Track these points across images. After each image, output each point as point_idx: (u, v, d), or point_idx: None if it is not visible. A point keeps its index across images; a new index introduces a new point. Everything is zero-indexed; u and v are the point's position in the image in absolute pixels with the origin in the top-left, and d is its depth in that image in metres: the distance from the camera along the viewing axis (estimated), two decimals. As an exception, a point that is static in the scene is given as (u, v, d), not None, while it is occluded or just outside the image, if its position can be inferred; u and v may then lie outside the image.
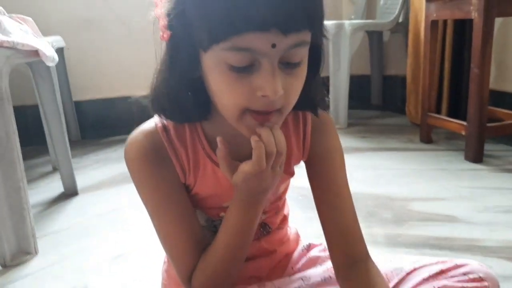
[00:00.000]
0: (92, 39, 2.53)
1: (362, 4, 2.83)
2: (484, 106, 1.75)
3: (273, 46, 0.48)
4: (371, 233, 1.24)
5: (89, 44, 2.52)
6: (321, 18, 0.51)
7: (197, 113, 0.59)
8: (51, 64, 1.29)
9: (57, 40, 1.92)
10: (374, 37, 2.84)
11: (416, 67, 2.36)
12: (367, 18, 2.86)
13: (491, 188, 1.54)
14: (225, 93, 0.52)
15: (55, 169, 1.94)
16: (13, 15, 1.29)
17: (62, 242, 1.30)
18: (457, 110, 2.29)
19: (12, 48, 1.14)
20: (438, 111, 2.26)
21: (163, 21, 0.53)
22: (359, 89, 2.90)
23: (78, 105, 2.47)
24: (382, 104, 2.96)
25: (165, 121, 0.63)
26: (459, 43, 2.25)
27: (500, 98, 2.05)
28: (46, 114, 1.59)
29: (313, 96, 0.61)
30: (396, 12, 2.52)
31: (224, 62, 0.49)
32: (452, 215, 1.35)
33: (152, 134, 0.62)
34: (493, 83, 1.96)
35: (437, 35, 2.08)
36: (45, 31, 1.50)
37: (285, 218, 0.82)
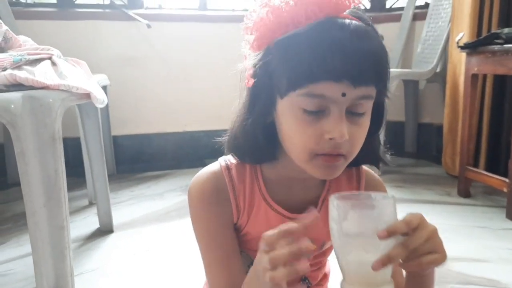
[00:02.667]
0: (133, 76, 2.62)
1: (398, 51, 2.84)
2: (528, 164, 1.70)
3: (343, 95, 0.55)
4: (411, 294, 1.20)
5: (130, 80, 2.61)
6: (386, 76, 0.58)
7: (267, 155, 0.65)
8: (100, 106, 1.34)
9: (103, 79, 2.00)
10: (410, 84, 2.83)
11: (454, 118, 2.34)
12: (403, 66, 2.87)
13: (535, 251, 1.48)
14: (297, 134, 0.58)
15: (91, 203, 1.97)
16: (69, 58, 1.36)
17: (97, 281, 1.31)
18: (495, 164, 2.24)
19: (67, 91, 1.19)
20: (476, 164, 2.20)
21: (250, 71, 0.61)
22: (393, 136, 2.88)
23: (115, 139, 2.54)
24: (416, 152, 2.92)
25: (229, 162, 0.69)
26: (499, 96, 2.22)
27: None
28: (89, 150, 1.64)
29: (375, 150, 0.68)
30: (434, 62, 2.52)
31: (298, 107, 0.56)
32: (494, 279, 1.29)
33: (215, 175, 0.68)
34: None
35: (477, 88, 2.06)
36: (92, 70, 1.57)
37: (325, 276, 0.81)
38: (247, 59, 0.62)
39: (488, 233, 1.64)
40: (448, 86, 2.36)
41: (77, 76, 1.30)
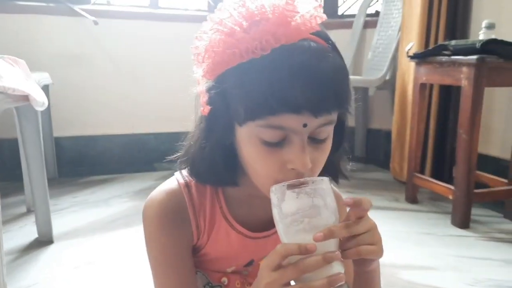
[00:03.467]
0: (78, 75, 2.48)
1: (349, 58, 2.89)
2: (472, 172, 1.77)
3: (304, 125, 0.53)
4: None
5: (74, 79, 2.47)
6: (348, 99, 0.55)
7: (228, 177, 0.62)
8: (40, 109, 1.24)
9: (45, 78, 1.87)
10: (360, 91, 2.88)
11: (402, 125, 2.40)
12: (353, 72, 2.92)
13: (479, 258, 1.53)
14: (258, 164, 0.56)
15: (29, 211, 1.84)
16: (5, 56, 1.25)
17: (34, 299, 1.21)
18: (440, 171, 2.32)
19: (3, 93, 1.09)
20: (422, 171, 2.27)
21: (204, 97, 0.57)
22: (343, 141, 2.92)
23: (57, 140, 2.39)
24: (365, 156, 2.98)
25: (188, 179, 0.65)
26: (444, 105, 2.31)
27: (484, 162, 2.09)
28: (26, 153, 1.52)
29: (336, 165, 0.66)
30: (384, 70, 2.57)
31: (258, 137, 0.54)
32: (442, 287, 1.32)
33: (174, 193, 0.64)
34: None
35: (425, 97, 2.12)
36: (33, 67, 1.46)
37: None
38: (201, 85, 0.58)
39: (434, 239, 1.68)
40: (397, 93, 2.42)
41: (14, 76, 1.19)
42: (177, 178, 0.66)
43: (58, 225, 1.68)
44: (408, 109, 2.32)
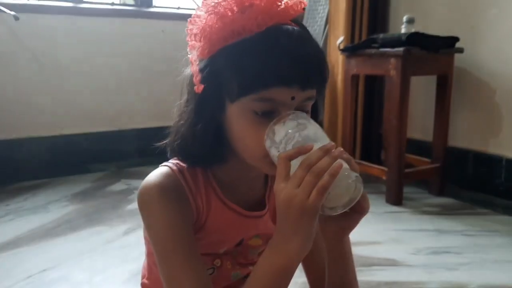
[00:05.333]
0: (-2, 75, 2.29)
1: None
2: (403, 154, 1.94)
3: (293, 98, 0.58)
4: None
5: (-7, 80, 2.28)
6: (328, 77, 0.63)
7: (218, 157, 0.66)
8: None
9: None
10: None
11: (333, 115, 2.54)
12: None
13: (415, 230, 1.70)
14: (250, 135, 0.60)
15: (-43, 224, 1.68)
16: None
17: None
18: (369, 155, 2.51)
19: None
20: (353, 155, 2.44)
21: (198, 77, 0.61)
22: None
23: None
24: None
25: (179, 165, 0.68)
26: (370, 94, 2.50)
27: (409, 144, 2.29)
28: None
29: None
30: (314, 63, 2.70)
31: (250, 110, 0.59)
32: (391, 259, 1.45)
33: (170, 176, 0.66)
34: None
35: (356, 87, 2.28)
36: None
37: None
38: (194, 65, 0.62)
39: (375, 217, 1.82)
40: (327, 86, 2.56)
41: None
42: (168, 165, 0.68)
43: (-3, 235, 1.56)
44: (338, 99, 2.46)
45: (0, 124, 2.33)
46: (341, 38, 2.23)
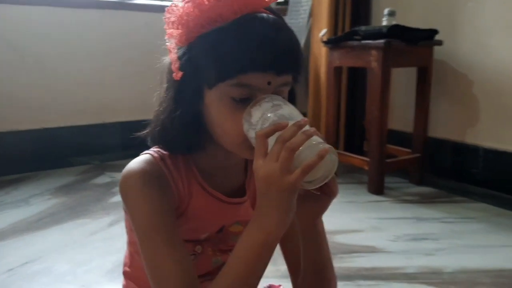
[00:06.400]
0: (-23, 67, 2.26)
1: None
2: (384, 145, 1.98)
3: (269, 83, 0.60)
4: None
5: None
6: (302, 65, 0.65)
7: (197, 144, 0.67)
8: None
9: None
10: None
11: (317, 107, 2.57)
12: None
13: (395, 218, 1.74)
14: (228, 121, 0.61)
15: None
16: None
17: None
18: (352, 146, 2.55)
19: None
20: (336, 147, 2.47)
21: (176, 64, 0.62)
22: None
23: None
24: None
25: (161, 152, 0.69)
26: (353, 86, 2.53)
27: (390, 135, 2.33)
28: None
29: None
30: (297, 55, 2.72)
31: (227, 96, 0.60)
32: (371, 246, 1.49)
33: (151, 163, 0.67)
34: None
35: (339, 79, 2.30)
36: None
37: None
38: (172, 53, 0.63)
39: (356, 206, 1.86)
40: (310, 78, 2.59)
41: None
42: (149, 153, 0.69)
43: (-22, 229, 1.55)
44: (321, 91, 2.49)
45: (-20, 117, 2.30)
46: (324, 31, 2.25)
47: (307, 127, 0.56)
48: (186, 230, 0.71)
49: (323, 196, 0.63)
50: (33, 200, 1.92)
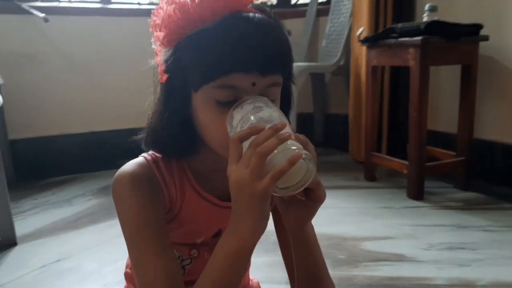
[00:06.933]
0: (31, 75, 2.41)
1: (304, 46, 2.96)
2: (423, 147, 1.87)
3: (253, 84, 0.58)
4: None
5: (27, 79, 2.40)
6: (290, 64, 0.62)
7: (188, 148, 0.66)
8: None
9: (-5, 78, 1.82)
10: (316, 78, 2.96)
11: (358, 108, 2.49)
12: (309, 60, 2.99)
13: (432, 225, 1.63)
14: (214, 124, 0.60)
15: (-12, 215, 1.79)
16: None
17: (1, 300, 1.20)
18: (395, 148, 2.44)
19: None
20: (379, 150, 2.38)
21: (162, 66, 0.62)
22: (303, 127, 2.99)
23: (13, 143, 2.33)
24: (325, 141, 3.06)
25: (154, 156, 0.68)
26: (395, 86, 2.42)
27: (434, 137, 2.21)
28: (-18, 157, 1.48)
29: None
30: (338, 55, 2.65)
31: (212, 98, 0.59)
32: (400, 254, 1.41)
33: (144, 166, 0.67)
34: (427, 124, 2.10)
35: (377, 79, 2.21)
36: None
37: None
38: (159, 55, 0.63)
39: (392, 212, 1.77)
40: (351, 78, 2.51)
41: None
42: (143, 156, 0.69)
43: (21, 227, 1.65)
44: (362, 92, 2.41)
45: (33, 122, 2.47)
46: (361, 29, 2.17)
47: (288, 130, 0.54)
48: (181, 233, 0.70)
49: (310, 202, 0.60)
50: (76, 200, 2.02)
